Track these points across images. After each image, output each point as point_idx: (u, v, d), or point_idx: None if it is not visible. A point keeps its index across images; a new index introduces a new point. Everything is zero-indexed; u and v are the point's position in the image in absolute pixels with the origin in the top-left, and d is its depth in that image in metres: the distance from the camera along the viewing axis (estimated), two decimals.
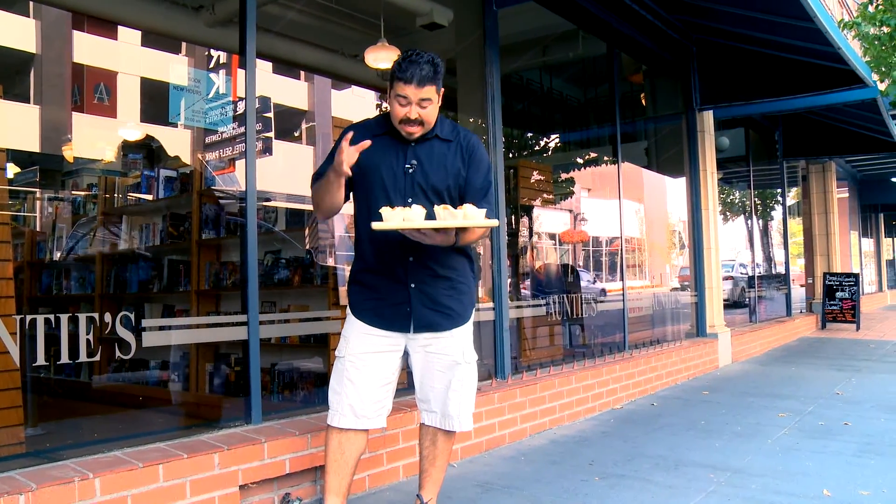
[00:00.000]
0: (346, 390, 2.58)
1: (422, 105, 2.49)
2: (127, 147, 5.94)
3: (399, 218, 2.30)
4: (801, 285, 13.38)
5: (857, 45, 8.46)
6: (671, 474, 3.56)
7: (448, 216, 2.33)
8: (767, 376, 6.78)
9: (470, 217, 2.34)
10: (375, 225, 2.31)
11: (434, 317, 2.60)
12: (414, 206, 2.36)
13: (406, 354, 2.68)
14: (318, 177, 2.59)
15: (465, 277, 2.68)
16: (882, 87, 7.98)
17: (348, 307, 2.69)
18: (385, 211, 2.32)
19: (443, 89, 2.58)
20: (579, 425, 4.71)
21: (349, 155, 2.38)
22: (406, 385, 3.37)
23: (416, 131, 2.53)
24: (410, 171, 2.55)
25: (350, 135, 2.42)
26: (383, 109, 2.76)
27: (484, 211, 2.38)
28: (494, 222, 2.44)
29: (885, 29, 7.81)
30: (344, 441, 2.60)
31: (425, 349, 2.64)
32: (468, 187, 2.60)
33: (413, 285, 2.57)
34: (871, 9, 8.11)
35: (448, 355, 2.64)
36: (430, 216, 2.38)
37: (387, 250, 2.57)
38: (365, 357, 2.59)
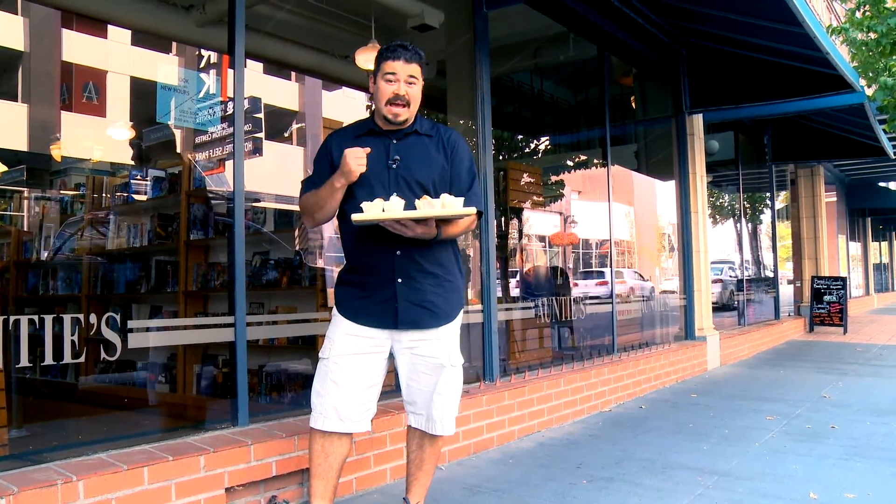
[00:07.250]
0: (330, 392, 2.56)
1: (409, 82, 2.55)
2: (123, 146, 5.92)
3: (378, 209, 2.32)
4: (790, 282, 13.44)
5: (844, 51, 8.54)
6: (659, 477, 3.56)
7: (426, 206, 2.35)
8: (755, 379, 6.80)
9: (448, 206, 2.35)
10: (356, 217, 2.34)
11: (419, 313, 2.57)
12: (393, 197, 2.38)
13: (391, 356, 2.67)
14: (312, 185, 2.59)
15: (453, 275, 2.67)
16: (869, 92, 8.05)
17: (335, 307, 2.67)
18: (365, 204, 2.34)
19: (422, 82, 2.63)
20: (567, 428, 4.71)
21: (360, 159, 2.45)
22: (393, 387, 3.36)
23: (402, 113, 2.56)
24: (394, 166, 2.56)
25: (349, 147, 2.50)
26: (373, 111, 2.76)
27: (461, 200, 2.40)
28: (472, 210, 2.46)
29: (872, 35, 7.87)
30: (327, 445, 2.59)
31: (411, 351, 2.62)
32: (453, 181, 2.61)
33: (399, 280, 2.55)
34: (858, 14, 8.19)
35: (434, 357, 2.62)
36: (411, 209, 2.39)
37: (373, 247, 2.55)
38: (349, 358, 2.57)
